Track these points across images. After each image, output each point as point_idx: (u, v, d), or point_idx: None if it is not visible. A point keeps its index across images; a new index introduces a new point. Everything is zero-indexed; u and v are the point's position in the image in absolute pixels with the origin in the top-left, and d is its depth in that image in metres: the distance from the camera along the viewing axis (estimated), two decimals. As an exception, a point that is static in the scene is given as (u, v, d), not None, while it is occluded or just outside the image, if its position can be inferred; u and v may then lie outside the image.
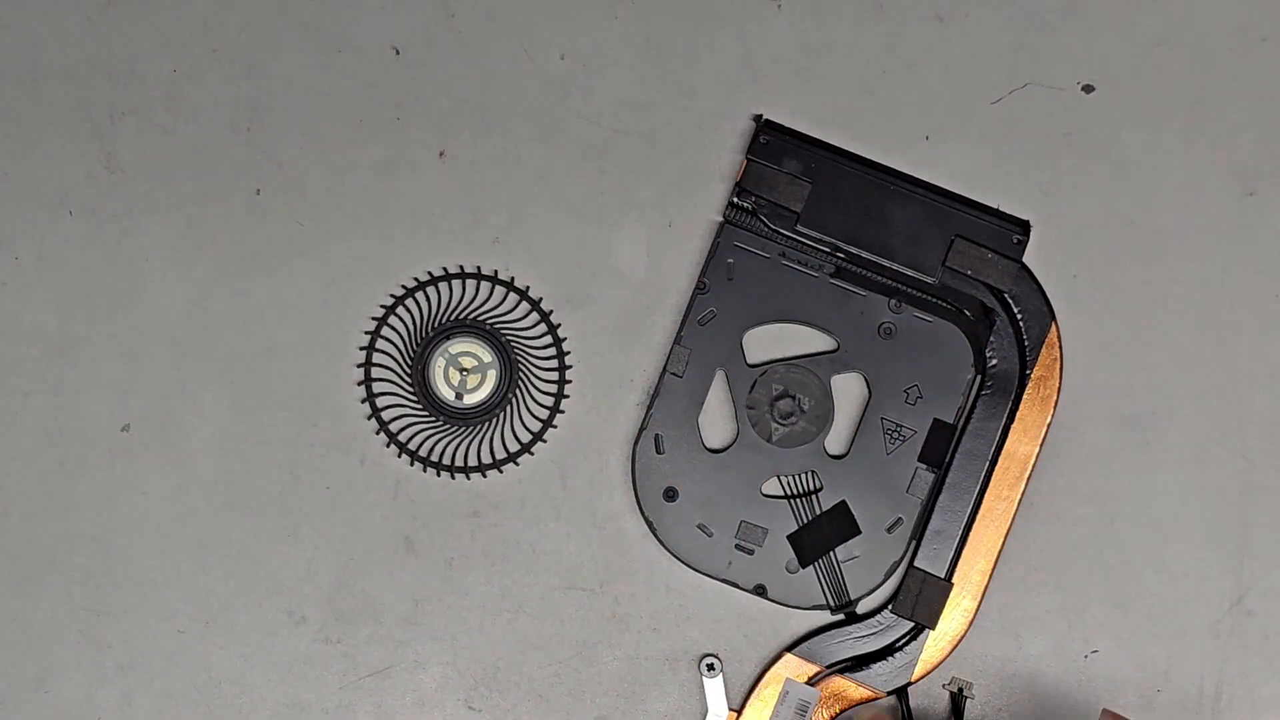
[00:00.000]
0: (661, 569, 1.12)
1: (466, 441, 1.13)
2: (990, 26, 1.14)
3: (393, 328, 1.13)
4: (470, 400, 1.13)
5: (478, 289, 1.14)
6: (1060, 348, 1.10)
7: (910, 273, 1.10)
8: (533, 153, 1.14)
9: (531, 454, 1.13)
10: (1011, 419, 1.09)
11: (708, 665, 1.10)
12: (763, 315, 1.12)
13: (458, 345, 1.13)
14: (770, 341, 1.12)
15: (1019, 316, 1.10)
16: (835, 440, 1.12)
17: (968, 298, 1.10)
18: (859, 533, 1.10)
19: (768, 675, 1.10)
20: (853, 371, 1.12)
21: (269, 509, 1.13)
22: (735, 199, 1.11)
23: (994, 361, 1.10)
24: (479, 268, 1.14)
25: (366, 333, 1.13)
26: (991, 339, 1.10)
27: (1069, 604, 1.11)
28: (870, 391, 1.11)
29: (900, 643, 1.09)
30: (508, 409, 1.13)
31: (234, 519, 1.13)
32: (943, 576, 1.09)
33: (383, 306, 1.14)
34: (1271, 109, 1.14)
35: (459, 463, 1.13)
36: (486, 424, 1.13)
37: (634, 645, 1.12)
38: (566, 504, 1.13)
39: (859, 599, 1.10)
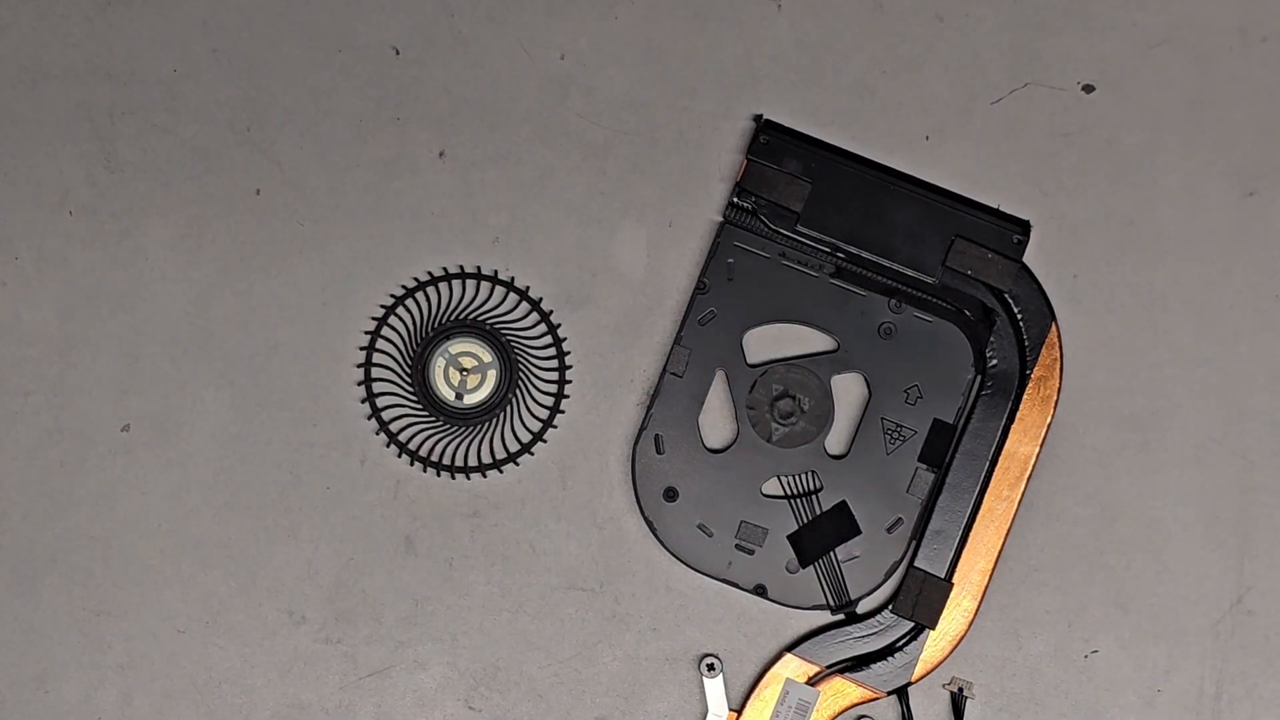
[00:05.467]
0: (661, 569, 1.12)
1: (466, 441, 1.13)
2: (990, 26, 1.14)
3: (393, 328, 1.14)
4: (470, 400, 1.13)
5: (478, 289, 1.14)
6: (1060, 348, 1.10)
7: (910, 273, 1.10)
8: (533, 153, 1.14)
9: (531, 454, 1.13)
10: (1011, 419, 1.09)
11: (708, 665, 1.10)
12: (763, 315, 1.12)
13: (458, 345, 1.13)
14: (770, 341, 1.12)
15: (1019, 316, 1.10)
16: (835, 440, 1.12)
17: (968, 298, 1.10)
18: (859, 533, 1.10)
19: (768, 675, 1.10)
20: (853, 371, 1.12)
21: (269, 509, 1.13)
22: (735, 199, 1.11)
23: (994, 361, 1.10)
24: (479, 268, 1.14)
25: (366, 333, 1.13)
26: (991, 339, 1.10)
27: (1069, 604, 1.11)
28: (870, 391, 1.11)
29: (900, 643, 1.09)
30: (508, 409, 1.13)
31: (234, 519, 1.13)
32: (943, 576, 1.09)
33: (383, 306, 1.14)
34: (1271, 109, 1.14)
35: (459, 463, 1.13)
36: (486, 424, 1.13)
37: (634, 645, 1.12)
38: (566, 504, 1.13)
39: (859, 599, 1.10)
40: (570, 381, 1.13)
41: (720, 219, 1.13)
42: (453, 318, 1.14)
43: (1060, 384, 1.10)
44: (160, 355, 1.14)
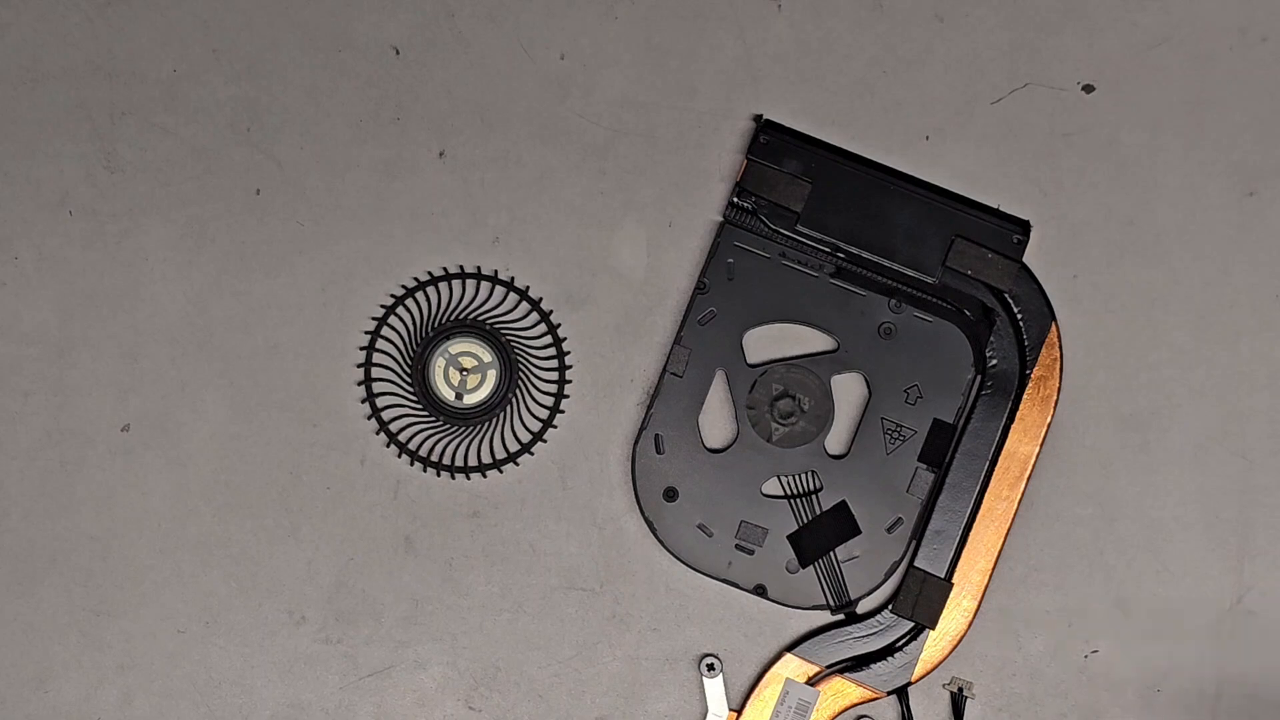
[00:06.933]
0: (661, 569, 1.12)
1: (466, 441, 1.13)
2: (990, 26, 1.14)
3: (393, 328, 1.14)
4: (470, 400, 1.13)
5: (478, 289, 1.14)
6: (1060, 348, 1.10)
7: (910, 273, 1.10)
8: (533, 153, 1.14)
9: (531, 454, 1.13)
10: (1011, 419, 1.09)
11: (708, 665, 1.10)
12: (763, 315, 1.12)
13: (458, 345, 1.13)
14: (770, 341, 1.12)
15: (1019, 316, 1.10)
16: (835, 440, 1.12)
17: (968, 298, 1.10)
18: (859, 533, 1.10)
19: (768, 675, 1.10)
20: (853, 371, 1.12)
21: (269, 509, 1.13)
22: (735, 199, 1.11)
23: (994, 361, 1.10)
24: (479, 268, 1.14)
25: (366, 333, 1.13)
26: (991, 339, 1.10)
27: (1069, 604, 1.11)
28: (870, 391, 1.11)
29: (900, 643, 1.09)
30: (508, 409, 1.13)
31: (234, 519, 1.13)
32: (943, 576, 1.09)
33: (383, 306, 1.14)
34: (1271, 109, 1.14)
35: (459, 463, 1.13)
36: (486, 424, 1.13)
37: (634, 645, 1.12)
38: (566, 504, 1.13)
39: (859, 599, 1.10)
40: (570, 381, 1.13)
41: (720, 219, 1.13)
42: (453, 318, 1.14)
43: (1060, 384, 1.10)
44: (160, 355, 1.14)
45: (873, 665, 1.09)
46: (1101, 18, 1.14)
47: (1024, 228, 1.10)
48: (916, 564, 1.09)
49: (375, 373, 1.13)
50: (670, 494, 1.11)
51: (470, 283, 1.14)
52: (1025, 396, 1.09)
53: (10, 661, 1.12)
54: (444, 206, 1.14)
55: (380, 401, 1.13)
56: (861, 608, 1.11)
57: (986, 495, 1.09)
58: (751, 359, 1.12)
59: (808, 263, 1.11)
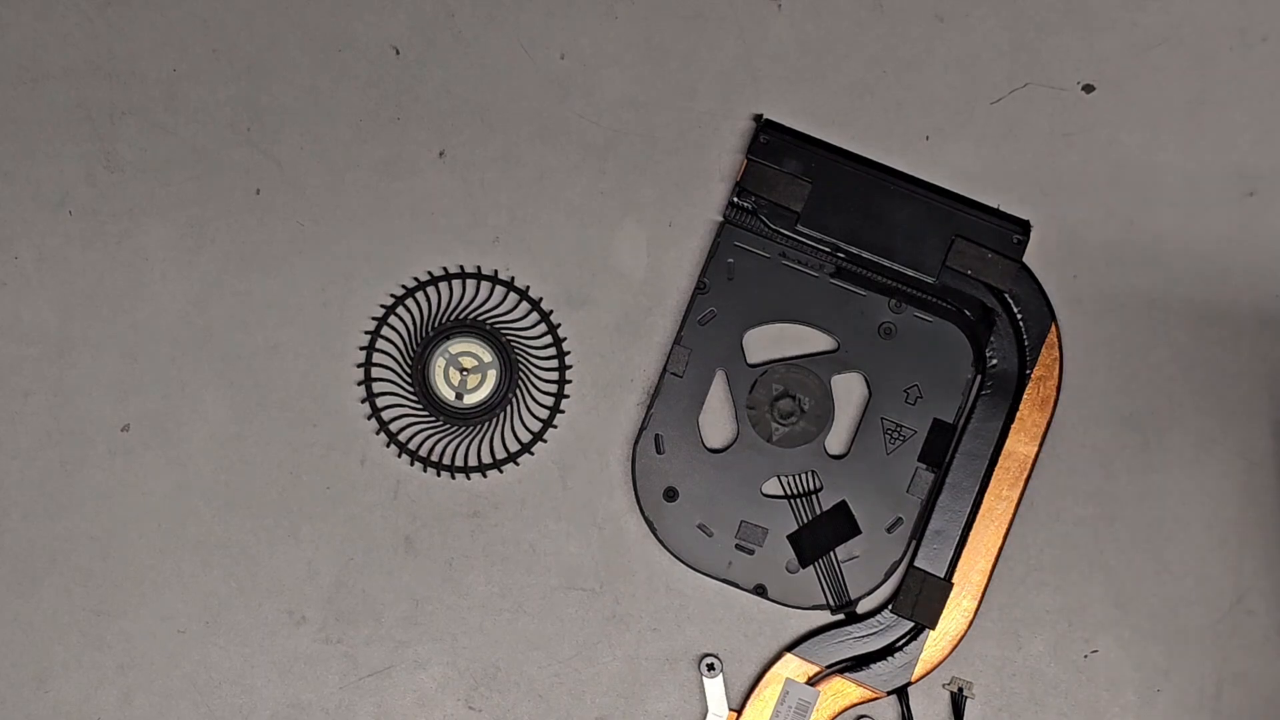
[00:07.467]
0: (661, 569, 1.12)
1: (466, 441, 1.13)
2: (990, 26, 1.14)
3: (393, 328, 1.14)
4: (470, 400, 1.13)
5: (478, 289, 1.14)
6: (1060, 348, 1.10)
7: (910, 273, 1.10)
8: (533, 153, 1.14)
9: (531, 454, 1.13)
10: (1011, 419, 1.09)
11: (708, 665, 1.10)
12: (763, 315, 1.12)
13: (458, 345, 1.13)
14: (770, 341, 1.12)
15: (1019, 316, 1.10)
16: (835, 440, 1.12)
17: (968, 298, 1.10)
18: (859, 533, 1.10)
19: (768, 675, 1.10)
20: (853, 371, 1.12)
21: (269, 509, 1.13)
22: (735, 199, 1.11)
23: (994, 361, 1.10)
24: (479, 268, 1.14)
25: (366, 333, 1.13)
26: (991, 339, 1.10)
27: (1069, 604, 1.11)
28: (870, 391, 1.11)
29: (900, 643, 1.09)
30: (508, 409, 1.13)
31: (234, 519, 1.13)
32: (943, 576, 1.09)
33: (383, 306, 1.14)
34: (1271, 109, 1.14)
35: (459, 463, 1.13)
36: (486, 424, 1.13)
37: (634, 645, 1.12)
38: (566, 504, 1.13)
39: (859, 599, 1.10)
40: (570, 381, 1.13)
41: (720, 219, 1.13)
42: (453, 318, 1.14)
43: (1060, 384, 1.10)
44: (160, 355, 1.14)
45: (873, 665, 1.09)
46: (1101, 18, 1.14)
47: (1024, 228, 1.10)
48: (916, 564, 1.09)
49: (375, 373, 1.13)
50: (670, 494, 1.11)
51: (470, 283, 1.14)
52: (1025, 396, 1.09)
53: (10, 661, 1.12)
54: (444, 206, 1.14)
55: (380, 401, 1.13)
56: (861, 608, 1.11)
57: (986, 495, 1.09)
58: (751, 359, 1.12)
59: (808, 263, 1.11)
